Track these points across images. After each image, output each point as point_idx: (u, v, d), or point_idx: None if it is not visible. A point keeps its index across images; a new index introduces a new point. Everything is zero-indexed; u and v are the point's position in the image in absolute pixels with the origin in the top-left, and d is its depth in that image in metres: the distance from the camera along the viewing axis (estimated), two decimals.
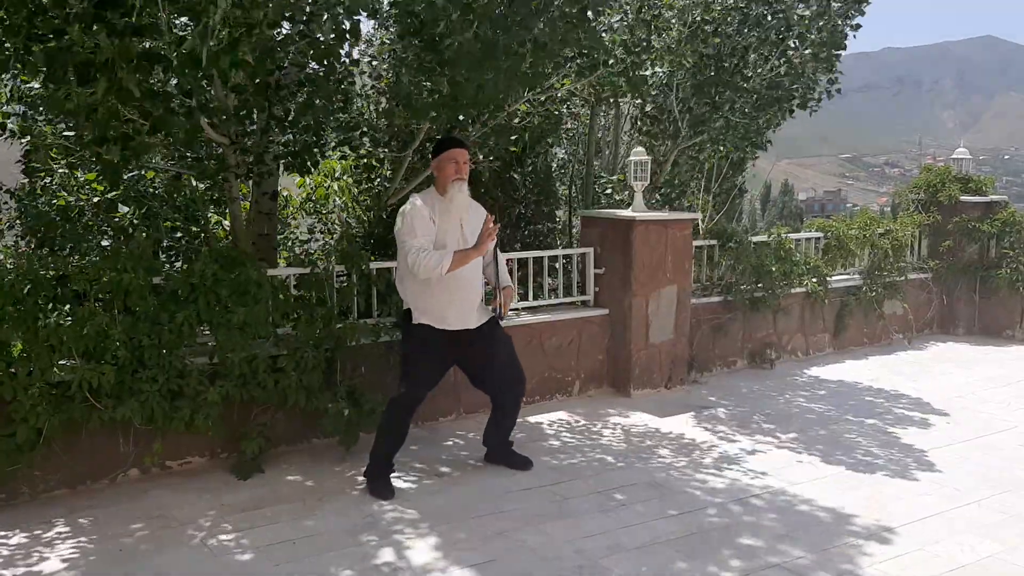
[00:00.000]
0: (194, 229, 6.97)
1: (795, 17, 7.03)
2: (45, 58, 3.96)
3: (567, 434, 5.84)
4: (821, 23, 7.02)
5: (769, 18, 7.13)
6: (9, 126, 6.04)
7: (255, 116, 5.26)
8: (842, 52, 7.19)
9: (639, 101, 8.11)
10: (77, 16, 3.82)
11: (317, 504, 4.62)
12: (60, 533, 4.25)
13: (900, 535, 4.25)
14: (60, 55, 3.91)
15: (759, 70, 7.24)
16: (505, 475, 5.06)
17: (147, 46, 4.01)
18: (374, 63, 6.82)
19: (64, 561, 3.96)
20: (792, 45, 7.13)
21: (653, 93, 7.83)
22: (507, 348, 5.10)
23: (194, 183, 6.88)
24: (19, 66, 4.22)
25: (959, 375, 7.55)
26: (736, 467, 5.20)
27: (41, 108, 5.88)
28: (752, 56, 7.23)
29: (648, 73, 7.35)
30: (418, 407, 5.02)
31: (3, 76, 5.78)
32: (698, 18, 7.30)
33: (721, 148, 7.95)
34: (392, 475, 4.90)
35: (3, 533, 4.24)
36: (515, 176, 7.74)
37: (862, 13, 7.16)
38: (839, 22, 7.06)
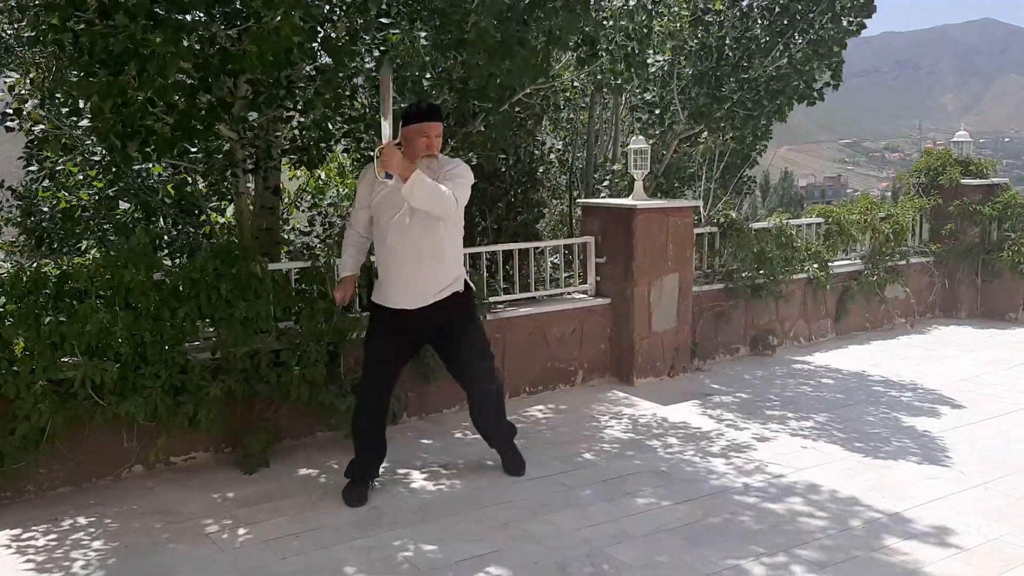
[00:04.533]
0: (201, 222, 6.94)
1: (797, 11, 6.98)
2: (75, 41, 3.92)
3: (571, 424, 5.84)
4: (823, 20, 6.96)
5: (775, 10, 7.07)
6: (25, 112, 6.02)
7: (263, 110, 5.26)
8: (842, 50, 7.12)
9: (639, 90, 8.07)
10: (127, 5, 3.78)
11: (323, 497, 4.62)
12: (66, 530, 4.26)
13: (907, 519, 4.24)
14: (99, 40, 3.87)
15: (762, 62, 7.18)
16: None
17: (185, 42, 3.99)
18: (382, 51, 6.77)
19: (70, 559, 3.96)
20: (794, 39, 7.06)
21: (652, 83, 7.78)
22: (471, 341, 4.62)
23: (197, 178, 6.86)
24: (52, 47, 4.17)
25: (962, 359, 7.54)
26: (741, 454, 5.20)
27: (58, 97, 5.87)
28: (754, 48, 7.17)
29: (650, 60, 7.31)
30: (378, 407, 4.66)
31: (29, 60, 5.77)
32: (701, 5, 7.26)
33: (723, 137, 7.90)
34: (373, 482, 4.71)
35: (9, 531, 4.25)
36: (501, 166, 7.68)
37: (868, 15, 7.07)
38: (841, 20, 6.99)
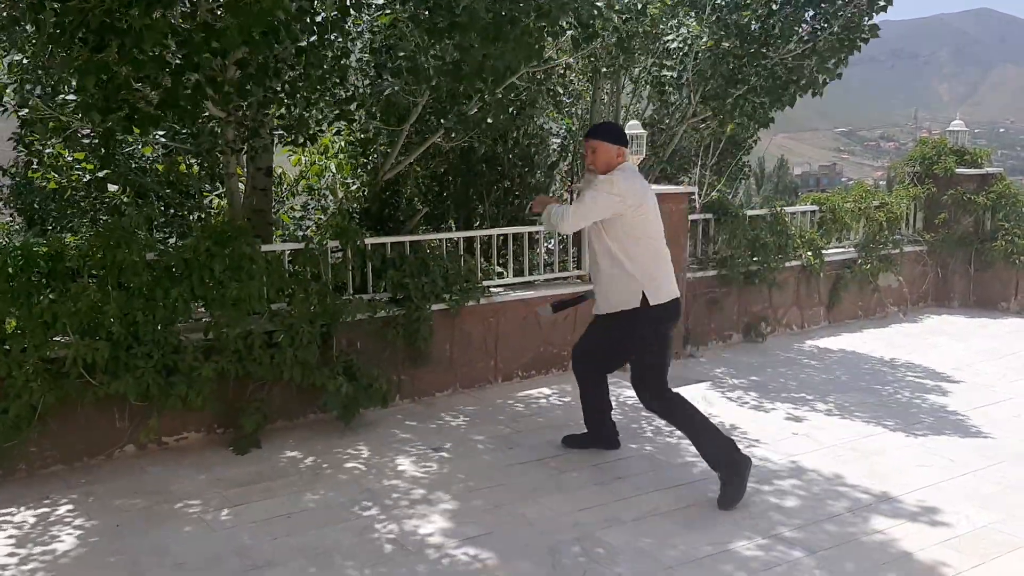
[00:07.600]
0: (194, 205, 6.91)
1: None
2: (56, 18, 3.90)
3: (563, 409, 5.85)
4: (848, 11, 6.91)
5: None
6: (5, 99, 5.96)
7: (252, 90, 5.23)
8: (864, 42, 7.05)
9: (655, 68, 7.99)
10: None
11: (315, 478, 4.62)
12: (58, 509, 4.25)
13: (897, 506, 4.27)
14: (76, 16, 3.84)
15: (780, 50, 7.11)
16: (502, 450, 5.07)
17: (162, 16, 3.97)
18: (373, 32, 6.73)
19: (62, 537, 3.96)
20: (819, 27, 6.99)
21: (672, 58, 7.71)
22: (602, 337, 4.81)
23: (189, 160, 6.82)
24: (31, 26, 4.14)
25: (954, 347, 7.56)
26: (733, 439, 5.20)
27: (40, 77, 5.81)
28: (776, 32, 7.09)
29: (670, 37, 7.27)
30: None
31: (4, 42, 5.72)
32: None
33: (731, 121, 7.86)
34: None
35: (1, 510, 4.25)
36: (499, 151, 7.65)
37: (884, 10, 7.02)
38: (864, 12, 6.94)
